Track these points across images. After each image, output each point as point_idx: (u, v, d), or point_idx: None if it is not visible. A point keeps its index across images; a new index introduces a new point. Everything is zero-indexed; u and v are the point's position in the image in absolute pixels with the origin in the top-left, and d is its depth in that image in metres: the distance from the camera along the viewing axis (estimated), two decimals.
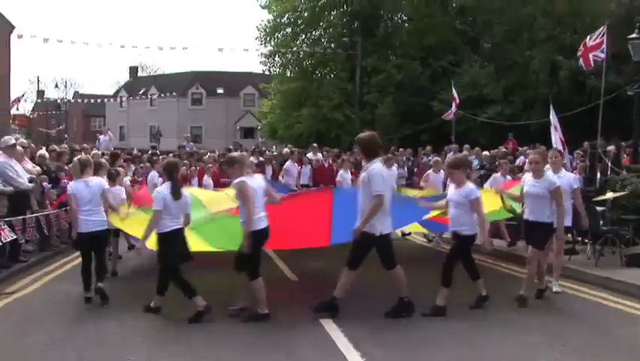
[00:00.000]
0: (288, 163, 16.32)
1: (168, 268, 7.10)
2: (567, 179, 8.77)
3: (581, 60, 16.10)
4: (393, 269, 7.06)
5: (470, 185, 7.52)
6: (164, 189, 7.13)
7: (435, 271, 7.51)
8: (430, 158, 19.16)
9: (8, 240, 8.95)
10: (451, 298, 7.35)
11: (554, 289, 8.36)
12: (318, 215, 8.74)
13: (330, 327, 6.65)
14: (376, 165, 6.95)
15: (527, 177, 8.12)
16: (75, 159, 8.55)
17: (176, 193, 7.01)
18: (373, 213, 6.76)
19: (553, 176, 7.98)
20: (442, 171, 13.01)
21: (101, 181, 8.03)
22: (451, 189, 7.68)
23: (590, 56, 15.53)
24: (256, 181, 7.05)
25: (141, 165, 16.22)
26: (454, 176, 7.62)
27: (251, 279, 6.87)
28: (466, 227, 7.36)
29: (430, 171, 13.46)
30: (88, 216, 7.62)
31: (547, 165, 8.69)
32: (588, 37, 15.87)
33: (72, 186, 7.85)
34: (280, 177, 15.71)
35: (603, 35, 15.14)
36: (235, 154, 7.74)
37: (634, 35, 13.46)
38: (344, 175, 14.87)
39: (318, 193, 11.89)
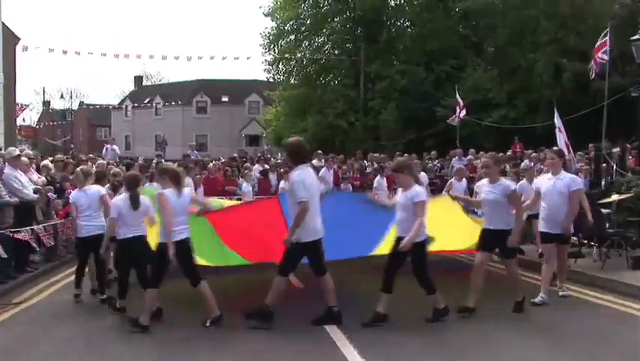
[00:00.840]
0: (323, 170, 15.80)
1: (121, 269, 7.65)
2: (565, 181, 8.14)
3: (592, 65, 16.02)
4: (322, 276, 6.94)
5: (417, 188, 7.06)
6: (121, 200, 7.49)
7: (456, 281, 7.55)
8: (435, 163, 19.16)
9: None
10: (452, 305, 7.32)
11: (560, 293, 8.33)
12: (273, 225, 8.62)
13: (335, 334, 6.65)
14: (298, 172, 6.88)
15: (483, 183, 7.76)
16: (77, 169, 8.94)
17: (134, 204, 7.34)
18: (298, 221, 6.72)
19: (507, 180, 7.71)
20: (464, 179, 13.03)
21: (99, 189, 8.37)
22: (399, 193, 7.30)
23: (597, 57, 15.53)
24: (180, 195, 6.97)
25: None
26: (399, 179, 7.29)
27: (149, 287, 6.97)
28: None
29: (452, 180, 13.15)
30: (87, 221, 8.11)
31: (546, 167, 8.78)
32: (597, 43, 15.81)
33: (73, 195, 8.47)
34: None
35: (606, 37, 15.13)
36: (167, 165, 7.81)
37: (637, 37, 13.45)
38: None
39: (264, 203, 11.50)
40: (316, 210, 6.88)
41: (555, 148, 10.52)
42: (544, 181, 8.37)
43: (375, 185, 14.82)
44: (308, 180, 6.82)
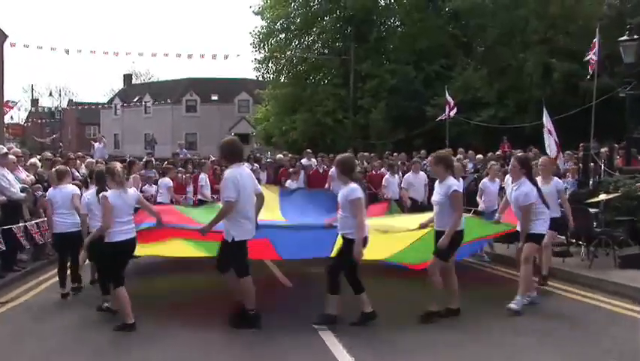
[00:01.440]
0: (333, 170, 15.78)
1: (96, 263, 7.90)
2: (555, 185, 8.89)
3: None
4: (242, 278, 6.85)
5: (352, 185, 6.93)
6: (88, 195, 7.85)
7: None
8: (426, 162, 19.11)
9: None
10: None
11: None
12: None
13: (325, 334, 6.64)
14: (230, 171, 6.92)
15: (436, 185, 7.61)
16: (52, 169, 9.55)
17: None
18: (218, 218, 6.86)
19: (453, 180, 7.23)
20: (497, 179, 11.44)
21: (73, 188, 8.68)
22: (436, 187, 7.48)
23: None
24: (126, 196, 7.06)
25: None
26: (339, 177, 7.27)
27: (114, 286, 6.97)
28: (350, 231, 6.86)
29: (485, 180, 11.67)
30: (60, 218, 8.45)
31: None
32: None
33: (49, 192, 8.88)
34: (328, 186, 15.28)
35: (595, 38, 15.22)
36: (110, 165, 7.64)
37: (625, 37, 13.54)
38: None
39: None
40: (250, 209, 6.90)
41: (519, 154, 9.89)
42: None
43: (384, 183, 14.83)
44: (240, 179, 6.78)
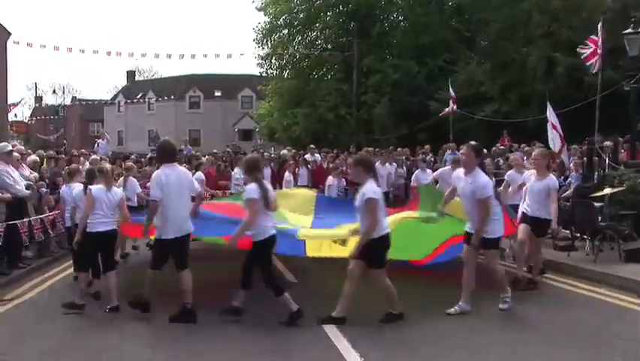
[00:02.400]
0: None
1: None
2: (549, 182, 8.34)
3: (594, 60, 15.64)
4: (181, 271, 7.11)
5: (483, 178, 7.16)
6: (76, 189, 8.51)
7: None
8: (428, 156, 19.10)
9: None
10: (447, 300, 7.36)
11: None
12: None
13: (330, 328, 6.64)
14: (157, 172, 7.23)
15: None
16: (65, 168, 10.09)
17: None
18: (149, 217, 7.22)
19: (370, 185, 6.83)
20: (524, 170, 9.99)
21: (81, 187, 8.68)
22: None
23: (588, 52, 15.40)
24: (106, 191, 7.50)
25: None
26: (358, 176, 7.19)
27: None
28: (253, 231, 6.95)
29: (510, 172, 10.64)
30: (69, 213, 8.91)
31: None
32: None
33: (62, 189, 9.75)
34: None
35: (597, 32, 15.11)
36: (101, 165, 8.33)
37: (629, 30, 13.46)
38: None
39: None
40: (179, 209, 7.08)
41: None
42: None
43: (414, 180, 14.84)
44: (165, 179, 6.99)
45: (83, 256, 7.78)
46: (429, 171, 14.67)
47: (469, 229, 7.30)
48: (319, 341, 6.33)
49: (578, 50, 16.04)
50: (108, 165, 8.07)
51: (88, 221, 7.38)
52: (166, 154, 7.36)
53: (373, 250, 6.74)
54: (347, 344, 6.13)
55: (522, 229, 8.55)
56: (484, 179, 7.08)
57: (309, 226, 9.70)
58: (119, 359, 5.91)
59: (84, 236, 7.44)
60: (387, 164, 16.78)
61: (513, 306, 7.43)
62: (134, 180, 12.09)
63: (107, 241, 7.61)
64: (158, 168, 7.55)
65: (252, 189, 6.86)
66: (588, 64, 15.62)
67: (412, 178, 15.09)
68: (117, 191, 7.76)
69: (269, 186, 7.30)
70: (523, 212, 8.68)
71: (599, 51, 14.85)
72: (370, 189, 6.75)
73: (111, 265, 7.69)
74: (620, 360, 5.75)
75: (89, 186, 7.59)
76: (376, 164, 13.36)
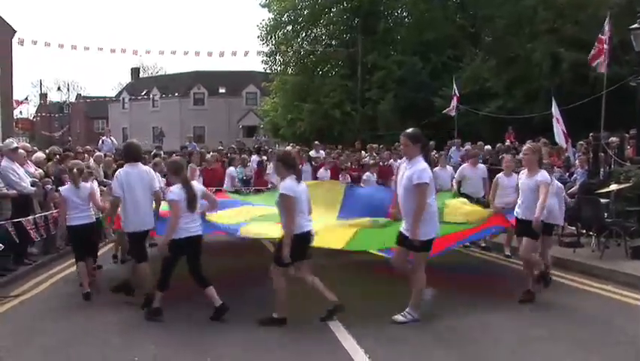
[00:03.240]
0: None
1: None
2: (538, 178, 7.58)
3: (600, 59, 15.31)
4: (138, 263, 7.60)
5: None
6: (64, 189, 8.57)
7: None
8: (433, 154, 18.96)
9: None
10: (452, 297, 7.37)
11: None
12: None
13: (335, 325, 6.64)
14: (118, 170, 7.89)
15: None
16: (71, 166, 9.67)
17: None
18: (109, 212, 7.94)
19: (289, 181, 6.69)
20: (513, 174, 9.81)
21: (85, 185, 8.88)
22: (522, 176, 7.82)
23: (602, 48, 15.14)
24: (75, 188, 8.24)
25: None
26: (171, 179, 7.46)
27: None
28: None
29: (500, 174, 10.37)
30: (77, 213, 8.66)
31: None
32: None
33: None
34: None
35: (607, 26, 15.00)
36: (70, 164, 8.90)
37: (636, 25, 13.39)
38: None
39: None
40: (139, 204, 7.46)
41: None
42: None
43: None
44: (125, 178, 7.49)
45: (74, 248, 8.70)
46: (449, 168, 13.67)
47: (404, 230, 6.82)
48: (325, 338, 6.33)
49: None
50: (81, 165, 8.84)
51: (67, 217, 8.27)
52: (129, 154, 7.86)
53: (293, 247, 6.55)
54: (352, 340, 6.14)
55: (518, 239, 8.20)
56: (422, 165, 6.66)
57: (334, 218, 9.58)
58: (123, 355, 5.90)
59: (68, 231, 8.56)
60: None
61: (517, 304, 7.45)
62: (159, 175, 12.30)
63: (85, 233, 8.34)
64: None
65: (175, 191, 6.96)
66: (594, 65, 15.38)
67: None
68: (86, 186, 8.38)
69: (198, 186, 7.50)
70: (515, 216, 8.04)
71: (605, 47, 14.67)
72: (287, 185, 6.61)
73: (90, 252, 8.62)
74: None
75: (59, 189, 8.50)
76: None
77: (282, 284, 6.71)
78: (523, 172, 7.88)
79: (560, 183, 9.71)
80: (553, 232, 9.36)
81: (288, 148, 20.31)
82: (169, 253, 6.91)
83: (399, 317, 6.77)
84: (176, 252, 6.94)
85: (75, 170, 8.36)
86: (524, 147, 8.41)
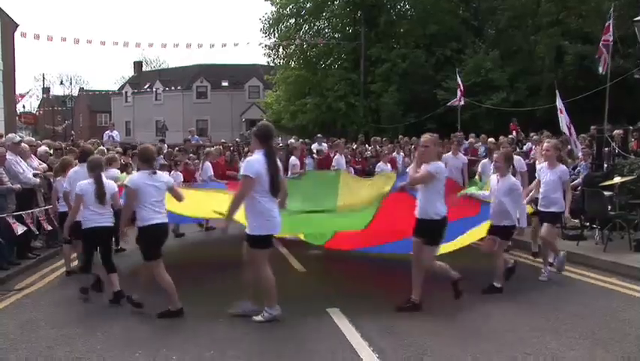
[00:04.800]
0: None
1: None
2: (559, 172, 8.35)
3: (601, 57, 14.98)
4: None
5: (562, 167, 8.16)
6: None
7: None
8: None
9: (20, 232, 9.24)
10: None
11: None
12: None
13: (339, 318, 6.66)
14: (72, 168, 8.45)
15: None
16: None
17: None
18: (72, 210, 7.88)
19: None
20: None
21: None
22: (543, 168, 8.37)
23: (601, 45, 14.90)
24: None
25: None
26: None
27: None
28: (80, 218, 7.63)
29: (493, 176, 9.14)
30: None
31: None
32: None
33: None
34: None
35: (610, 18, 14.91)
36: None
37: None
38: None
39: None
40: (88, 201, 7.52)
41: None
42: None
43: (480, 168, 14.39)
44: (76, 176, 7.98)
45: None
46: (462, 155, 13.72)
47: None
48: (328, 330, 6.34)
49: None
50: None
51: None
52: (83, 155, 8.44)
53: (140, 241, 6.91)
54: (355, 332, 6.15)
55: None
56: (252, 158, 6.60)
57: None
58: (127, 348, 5.91)
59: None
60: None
61: (521, 294, 7.45)
62: (209, 164, 13.70)
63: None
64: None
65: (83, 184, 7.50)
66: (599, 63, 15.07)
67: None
68: (60, 181, 8.74)
69: (107, 182, 7.69)
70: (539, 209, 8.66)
71: (610, 38, 14.42)
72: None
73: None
74: None
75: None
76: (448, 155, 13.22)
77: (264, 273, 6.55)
78: (542, 165, 8.48)
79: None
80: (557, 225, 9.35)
81: (291, 141, 20.31)
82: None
83: (258, 318, 6.62)
84: (86, 240, 7.60)
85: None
86: (545, 145, 8.71)
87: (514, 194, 7.68)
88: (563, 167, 8.52)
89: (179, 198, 7.34)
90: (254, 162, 6.42)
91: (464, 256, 8.11)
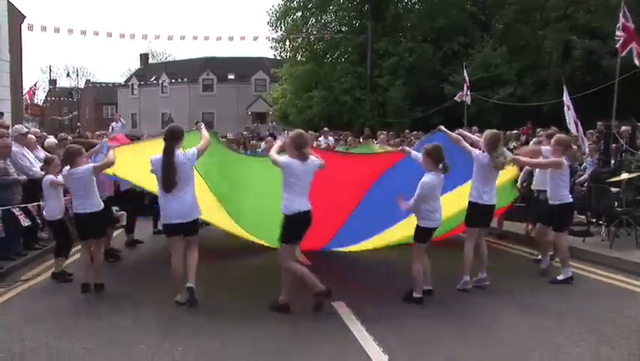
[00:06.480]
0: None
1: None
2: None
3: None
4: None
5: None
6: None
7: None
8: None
9: (25, 225, 9.14)
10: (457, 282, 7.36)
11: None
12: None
13: (345, 313, 6.65)
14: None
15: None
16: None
17: None
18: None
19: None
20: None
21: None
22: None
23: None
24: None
25: None
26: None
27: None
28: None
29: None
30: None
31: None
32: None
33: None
34: None
35: (623, 10, 14.72)
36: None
37: None
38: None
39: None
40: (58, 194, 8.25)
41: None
42: None
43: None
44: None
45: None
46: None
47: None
48: (333, 324, 6.33)
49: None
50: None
51: None
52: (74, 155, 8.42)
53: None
54: (361, 327, 6.14)
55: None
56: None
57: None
58: (132, 338, 5.93)
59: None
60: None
61: (527, 292, 7.45)
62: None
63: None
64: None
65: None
66: (623, 54, 14.49)
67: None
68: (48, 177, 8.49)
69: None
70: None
71: (630, 26, 13.82)
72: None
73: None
74: None
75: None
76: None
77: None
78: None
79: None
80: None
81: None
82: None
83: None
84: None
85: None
86: (554, 139, 8.38)
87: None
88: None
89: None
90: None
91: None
